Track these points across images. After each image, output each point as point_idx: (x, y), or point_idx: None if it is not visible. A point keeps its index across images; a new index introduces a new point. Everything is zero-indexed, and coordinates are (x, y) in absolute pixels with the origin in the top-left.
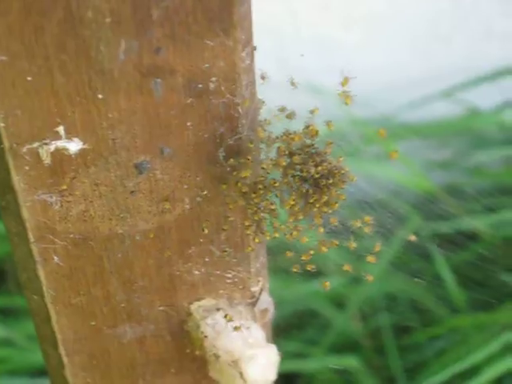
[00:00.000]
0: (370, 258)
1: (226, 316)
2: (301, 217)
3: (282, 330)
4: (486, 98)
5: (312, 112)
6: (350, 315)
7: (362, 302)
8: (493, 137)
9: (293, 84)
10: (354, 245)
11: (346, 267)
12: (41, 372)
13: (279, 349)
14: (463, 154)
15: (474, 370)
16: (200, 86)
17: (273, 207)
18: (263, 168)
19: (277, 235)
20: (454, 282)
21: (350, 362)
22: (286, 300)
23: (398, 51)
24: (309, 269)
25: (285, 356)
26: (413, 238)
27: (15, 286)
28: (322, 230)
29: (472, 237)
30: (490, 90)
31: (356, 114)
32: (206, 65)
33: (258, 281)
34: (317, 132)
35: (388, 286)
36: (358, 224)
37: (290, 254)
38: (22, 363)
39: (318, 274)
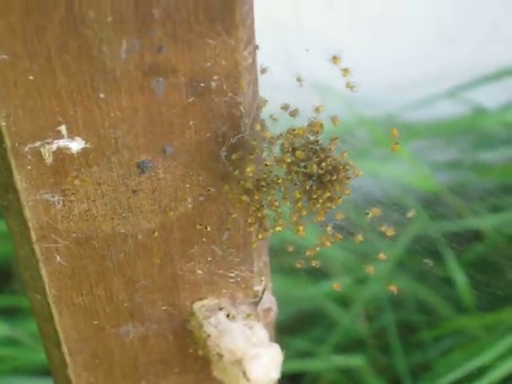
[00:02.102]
0: (381, 256)
1: (228, 315)
2: (304, 212)
3: (288, 330)
4: (491, 97)
5: (317, 109)
6: (356, 315)
7: (368, 302)
8: (498, 136)
9: (299, 80)
10: (360, 238)
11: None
12: (46, 371)
13: (284, 348)
14: (468, 154)
15: (481, 371)
16: (202, 84)
17: (276, 203)
18: (266, 165)
19: (279, 229)
20: (465, 281)
21: (356, 361)
22: (292, 300)
23: (404, 51)
24: (314, 265)
25: (290, 355)
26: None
27: (20, 286)
28: (329, 228)
29: (477, 236)
30: (495, 90)
31: (361, 113)
32: (208, 64)
33: (261, 280)
34: (321, 125)
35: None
36: (369, 215)
37: (291, 249)
38: (28, 362)
39: (323, 274)
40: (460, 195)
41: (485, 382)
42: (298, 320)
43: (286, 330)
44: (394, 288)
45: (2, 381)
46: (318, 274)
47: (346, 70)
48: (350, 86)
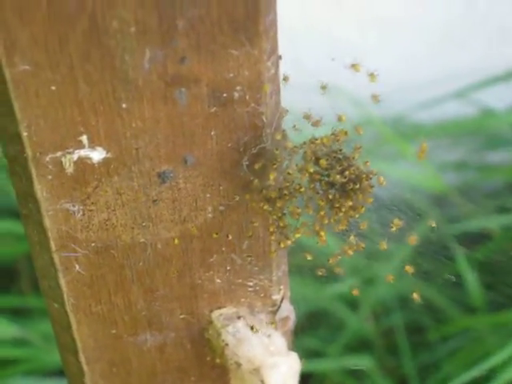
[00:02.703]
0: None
1: (252, 328)
2: (326, 221)
3: (295, 331)
4: (499, 98)
5: (340, 118)
6: (363, 315)
7: (376, 303)
8: (506, 137)
9: (323, 88)
10: (384, 246)
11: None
12: (55, 372)
13: (293, 348)
14: (476, 154)
15: (490, 372)
16: (224, 95)
17: (298, 212)
18: (289, 174)
19: (298, 235)
20: (476, 281)
21: (363, 362)
22: (299, 300)
23: (412, 52)
24: (336, 272)
25: (298, 356)
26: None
27: (27, 286)
28: (352, 237)
29: (485, 237)
30: (503, 91)
31: (370, 114)
32: (231, 74)
33: (280, 289)
34: (346, 133)
35: (401, 286)
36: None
37: (309, 257)
38: (40, 364)
39: (331, 275)
40: (467, 196)
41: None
42: (305, 320)
43: (293, 331)
44: (416, 297)
45: (14, 383)
46: (325, 275)
47: (372, 76)
48: (376, 98)
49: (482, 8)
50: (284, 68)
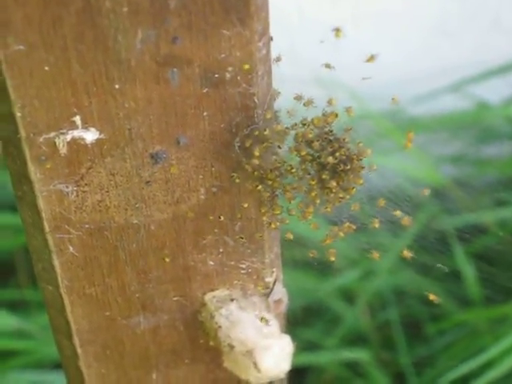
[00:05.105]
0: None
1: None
2: (318, 201)
3: (292, 323)
4: (494, 91)
5: (330, 101)
6: (360, 309)
7: (372, 296)
8: (501, 130)
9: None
10: (376, 225)
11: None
12: (54, 365)
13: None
14: (472, 148)
15: (486, 365)
16: (216, 75)
17: (289, 193)
18: (277, 155)
19: (291, 215)
20: (473, 274)
21: (360, 355)
22: (296, 293)
23: (407, 45)
24: (324, 258)
25: (295, 349)
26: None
27: (25, 280)
28: (357, 206)
29: (481, 230)
30: (498, 84)
31: (366, 107)
32: (223, 55)
33: (272, 271)
34: (336, 115)
35: (398, 280)
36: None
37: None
38: (40, 356)
39: (328, 268)
40: (463, 189)
41: (490, 376)
42: (302, 314)
43: (290, 324)
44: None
45: (15, 375)
46: (322, 268)
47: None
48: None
49: (476, 1)
50: (281, 61)
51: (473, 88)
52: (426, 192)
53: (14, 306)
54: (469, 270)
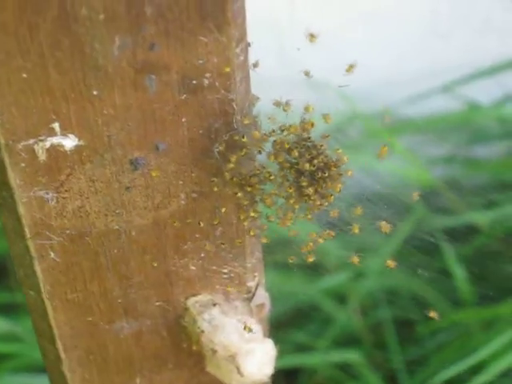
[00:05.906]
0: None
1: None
2: (296, 206)
3: (283, 325)
4: (485, 92)
5: (306, 108)
6: (352, 310)
7: (364, 297)
8: (492, 131)
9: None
10: (356, 230)
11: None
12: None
13: (280, 343)
14: (463, 149)
15: (478, 366)
16: (194, 82)
17: (268, 200)
18: (254, 161)
19: (270, 221)
20: (464, 275)
21: (352, 356)
22: (287, 295)
23: (397, 46)
24: (310, 261)
25: (286, 350)
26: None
27: (16, 283)
28: (335, 213)
29: (472, 231)
30: (489, 85)
31: (357, 108)
32: (200, 61)
33: (254, 276)
34: (312, 124)
35: (389, 281)
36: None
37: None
38: (30, 359)
39: (319, 270)
40: (454, 190)
41: (482, 377)
42: (293, 315)
43: (281, 326)
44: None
45: (5, 378)
46: (313, 270)
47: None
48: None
49: (467, 2)
50: (271, 64)
51: (464, 89)
52: (416, 196)
53: (6, 309)
54: (459, 271)
